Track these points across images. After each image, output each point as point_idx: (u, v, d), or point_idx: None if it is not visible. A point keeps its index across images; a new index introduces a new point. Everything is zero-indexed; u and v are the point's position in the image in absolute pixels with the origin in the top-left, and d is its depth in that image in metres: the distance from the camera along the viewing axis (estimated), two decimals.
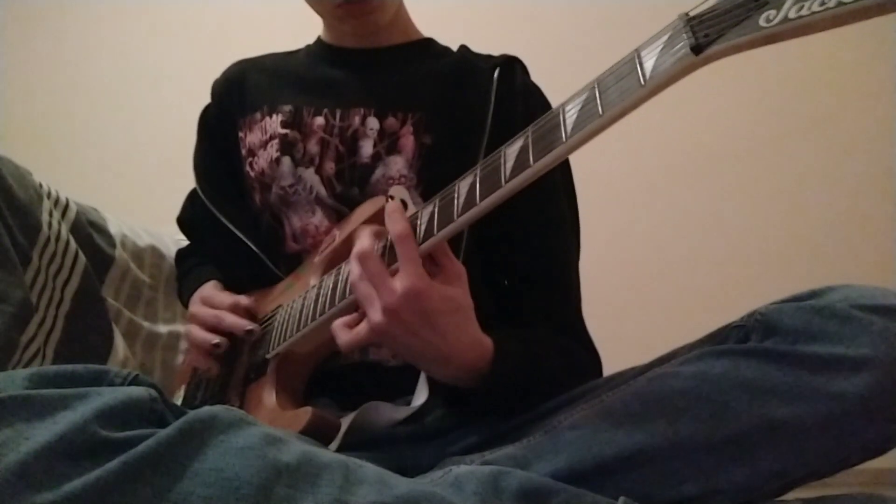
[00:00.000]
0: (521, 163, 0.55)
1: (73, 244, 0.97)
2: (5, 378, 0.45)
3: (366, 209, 0.77)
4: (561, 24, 2.06)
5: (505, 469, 0.53)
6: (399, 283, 0.58)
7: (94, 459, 0.42)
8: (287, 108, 0.87)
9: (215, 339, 0.79)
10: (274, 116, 0.87)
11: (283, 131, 0.85)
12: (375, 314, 0.59)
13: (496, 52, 0.91)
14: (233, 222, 0.87)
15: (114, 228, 1.11)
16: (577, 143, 0.52)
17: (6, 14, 2.17)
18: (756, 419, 0.53)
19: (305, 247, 0.84)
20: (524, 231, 0.81)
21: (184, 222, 1.03)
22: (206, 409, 0.46)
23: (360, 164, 0.82)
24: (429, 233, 0.61)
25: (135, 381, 0.49)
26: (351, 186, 0.82)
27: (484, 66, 0.87)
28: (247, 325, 0.79)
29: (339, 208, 0.83)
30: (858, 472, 0.58)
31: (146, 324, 1.11)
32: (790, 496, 0.57)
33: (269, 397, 0.73)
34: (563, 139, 0.52)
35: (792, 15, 0.41)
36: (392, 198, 0.64)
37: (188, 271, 0.98)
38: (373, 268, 0.60)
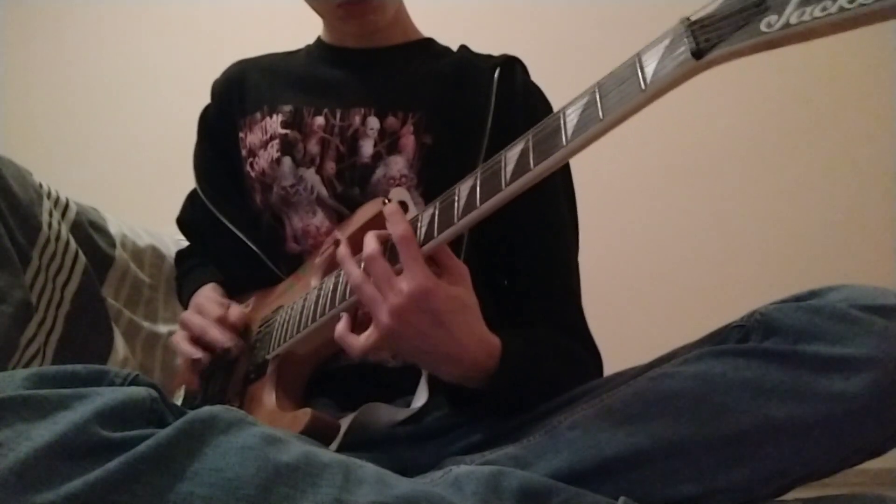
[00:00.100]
0: (521, 166, 0.55)
1: (73, 244, 0.97)
2: (5, 378, 0.46)
3: (367, 210, 0.77)
4: (561, 24, 2.06)
5: (505, 469, 0.53)
6: (405, 284, 0.58)
7: (94, 459, 0.42)
8: (287, 108, 0.87)
9: (196, 354, 0.79)
10: (274, 116, 0.87)
11: (284, 131, 0.85)
12: (383, 316, 0.59)
13: (496, 52, 0.91)
14: (233, 223, 0.87)
15: (114, 228, 1.11)
16: (578, 147, 0.52)
17: (6, 14, 2.17)
18: (756, 419, 0.53)
19: (306, 247, 0.84)
20: (524, 232, 0.82)
21: (184, 223, 1.03)
22: (206, 409, 0.46)
23: (360, 163, 0.82)
24: (429, 235, 0.61)
25: (135, 381, 0.49)
26: (351, 186, 0.82)
27: (484, 66, 0.87)
28: (227, 341, 0.78)
29: (340, 209, 0.83)
30: (858, 472, 0.58)
31: (146, 324, 1.11)
32: (790, 496, 0.57)
33: (269, 398, 0.73)
34: (564, 143, 0.52)
35: (793, 21, 0.41)
36: (390, 200, 0.64)
37: (188, 272, 0.98)
38: (378, 269, 0.60)
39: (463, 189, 0.60)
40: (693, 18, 0.47)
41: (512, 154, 0.57)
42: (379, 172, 0.81)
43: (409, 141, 0.82)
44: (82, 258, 0.98)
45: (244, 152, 0.89)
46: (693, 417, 0.55)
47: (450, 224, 0.59)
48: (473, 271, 0.64)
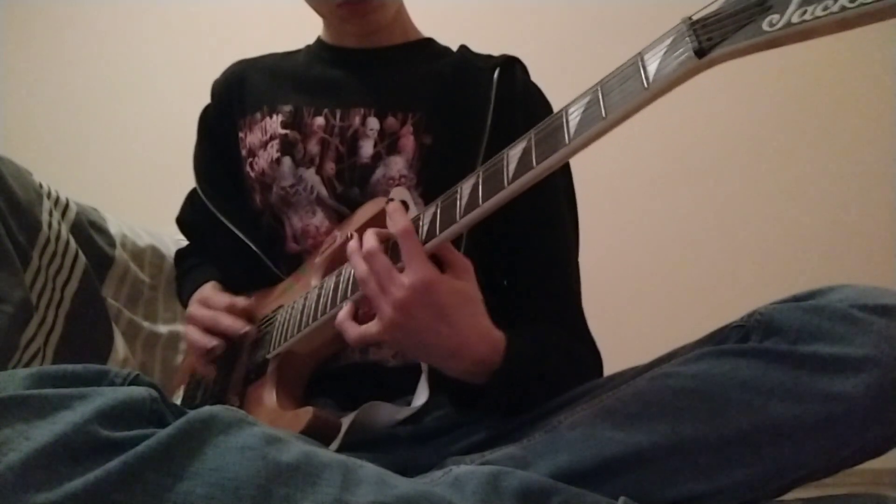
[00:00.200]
0: (523, 165, 0.55)
1: (73, 244, 0.97)
2: (5, 378, 0.46)
3: (367, 210, 0.77)
4: (562, 24, 2.06)
5: (505, 469, 0.53)
6: (407, 277, 0.59)
7: (94, 459, 0.42)
8: (287, 108, 0.87)
9: (211, 342, 0.79)
10: (274, 116, 0.87)
11: (284, 131, 0.85)
12: (387, 310, 0.59)
13: (496, 52, 0.91)
14: (233, 222, 0.87)
15: (114, 228, 1.11)
16: (580, 146, 0.52)
17: (6, 14, 2.17)
18: (756, 419, 0.53)
19: (306, 247, 0.84)
20: (524, 231, 0.82)
21: (183, 222, 1.03)
22: (206, 409, 0.46)
23: (360, 164, 0.82)
24: (431, 234, 0.61)
25: (135, 381, 0.49)
26: (351, 186, 0.82)
27: (484, 66, 0.87)
28: (242, 327, 0.78)
29: (340, 209, 0.83)
30: (858, 472, 0.58)
31: (146, 324, 1.11)
32: (790, 496, 0.57)
33: (270, 397, 0.73)
34: (566, 141, 0.52)
35: (795, 20, 0.41)
36: (392, 200, 0.64)
37: (187, 271, 0.98)
38: (380, 264, 0.60)
39: (465, 188, 0.60)
40: (695, 18, 0.47)
41: (514, 152, 0.57)
42: (378, 173, 0.81)
43: (408, 141, 0.82)
44: (82, 258, 0.98)
45: (244, 152, 0.89)
46: (693, 417, 0.55)
47: (452, 222, 0.59)
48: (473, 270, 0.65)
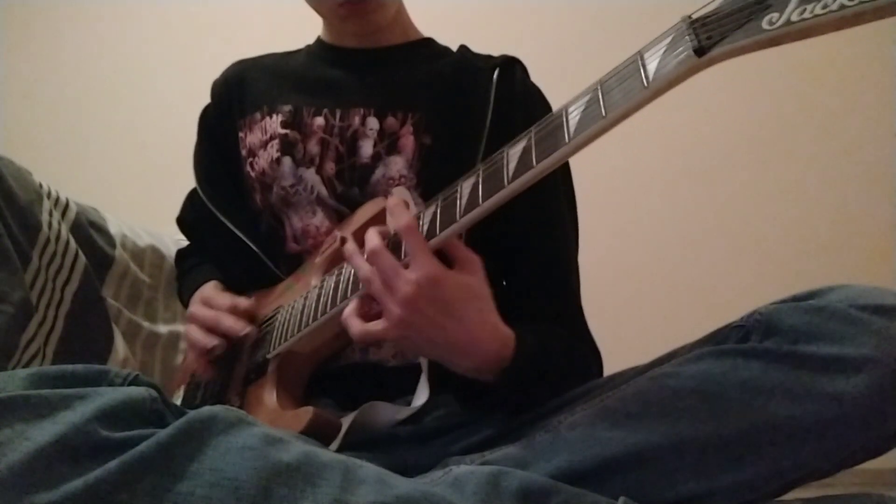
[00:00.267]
0: (524, 164, 0.55)
1: (73, 244, 0.97)
2: (5, 378, 0.46)
3: (367, 210, 0.77)
4: (561, 24, 2.06)
5: (505, 469, 0.53)
6: (413, 273, 0.58)
7: (94, 459, 0.42)
8: (287, 108, 0.86)
9: (212, 342, 0.78)
10: (274, 116, 0.87)
11: (284, 131, 0.85)
12: (394, 308, 0.59)
13: (496, 53, 0.91)
14: (233, 222, 0.87)
15: (114, 228, 1.11)
16: (580, 145, 0.52)
17: (6, 14, 2.17)
18: (756, 419, 0.53)
19: (306, 247, 0.84)
20: (524, 230, 0.82)
21: (183, 222, 1.02)
22: (206, 409, 0.46)
23: (360, 164, 0.82)
24: (431, 233, 0.61)
25: (135, 381, 0.49)
26: (351, 186, 0.82)
27: (484, 66, 0.87)
28: (244, 328, 0.78)
29: (340, 209, 0.83)
30: (858, 472, 0.58)
31: (146, 324, 1.11)
32: (790, 496, 0.57)
33: (270, 397, 0.73)
34: (567, 140, 0.52)
35: (795, 18, 0.41)
36: (393, 185, 0.63)
37: (188, 271, 0.98)
38: (385, 262, 0.60)
39: (465, 186, 0.60)
40: (695, 16, 0.47)
41: (514, 151, 0.57)
42: (378, 173, 0.81)
43: (408, 141, 0.82)
44: (82, 258, 0.98)
45: (244, 152, 0.89)
46: (693, 417, 0.55)
47: (452, 221, 0.59)
48: None
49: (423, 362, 0.73)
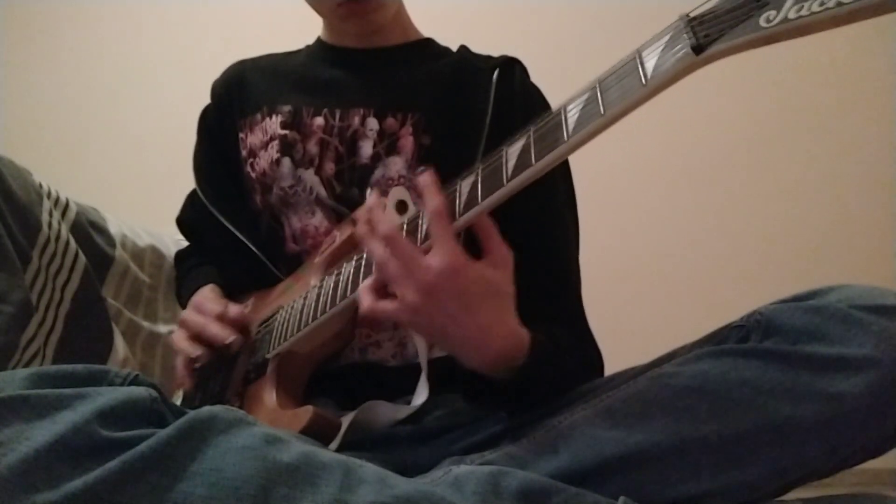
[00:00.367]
0: (522, 162, 0.55)
1: (73, 244, 0.97)
2: (5, 378, 0.46)
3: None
4: (561, 24, 2.06)
5: (505, 469, 0.53)
6: (434, 260, 0.56)
7: (94, 459, 0.42)
8: (286, 108, 0.86)
9: (195, 352, 0.78)
10: (274, 117, 0.87)
11: (283, 132, 0.85)
12: (410, 294, 0.57)
13: (496, 53, 0.91)
14: (233, 223, 0.87)
15: (114, 228, 1.11)
16: (579, 143, 0.52)
17: (6, 14, 2.17)
18: (756, 419, 0.53)
19: (305, 248, 0.84)
20: (524, 229, 0.81)
21: (183, 223, 1.02)
22: (206, 409, 0.46)
23: (359, 164, 0.82)
24: (430, 233, 0.61)
25: (135, 381, 0.49)
26: (350, 187, 0.82)
27: (483, 66, 0.87)
28: (227, 336, 0.76)
29: (339, 209, 0.83)
30: (858, 472, 0.58)
31: (146, 324, 1.11)
32: (790, 496, 0.57)
33: (270, 397, 0.73)
34: (565, 138, 0.52)
35: (792, 15, 0.41)
36: (422, 173, 0.62)
37: (187, 272, 0.98)
38: (403, 246, 0.58)
39: (464, 185, 0.60)
40: (692, 14, 0.47)
41: (513, 150, 0.57)
42: (378, 173, 0.81)
43: (407, 142, 0.82)
44: (82, 258, 0.98)
45: (244, 153, 0.89)
46: (693, 417, 0.55)
47: (451, 221, 0.59)
48: None
49: (423, 362, 0.73)
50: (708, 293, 1.90)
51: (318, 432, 0.65)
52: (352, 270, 0.69)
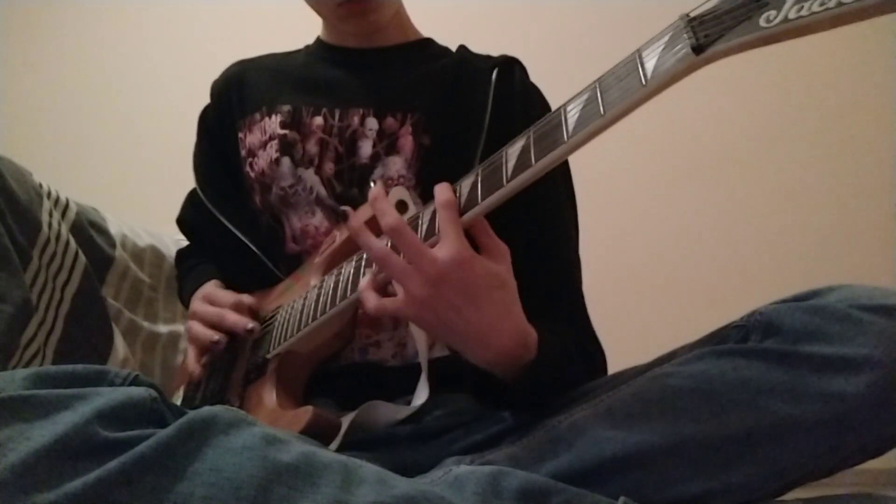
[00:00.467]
0: (522, 162, 0.55)
1: (73, 244, 0.97)
2: (5, 378, 0.45)
3: (367, 210, 0.77)
4: (561, 24, 2.06)
5: (505, 469, 0.53)
6: (441, 252, 0.56)
7: (94, 459, 0.42)
8: (286, 108, 0.86)
9: (215, 336, 0.78)
10: (273, 117, 0.87)
11: (283, 132, 0.85)
12: (415, 287, 0.56)
13: (496, 53, 0.91)
14: (233, 223, 0.87)
15: (114, 228, 1.11)
16: (579, 143, 0.52)
17: (6, 14, 2.17)
18: (756, 419, 0.53)
19: (305, 248, 0.84)
20: (524, 229, 0.81)
21: (183, 222, 1.02)
22: (206, 409, 0.46)
23: (359, 164, 0.82)
24: (430, 232, 0.61)
25: (135, 381, 0.49)
26: (350, 187, 0.82)
27: (483, 66, 0.87)
28: (249, 323, 0.77)
29: (339, 209, 0.82)
30: (858, 472, 0.58)
31: (146, 324, 1.11)
32: (790, 496, 0.57)
33: (270, 397, 0.73)
34: (565, 139, 0.52)
35: (792, 15, 0.41)
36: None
37: (188, 271, 0.98)
38: (408, 239, 0.57)
39: (464, 186, 0.60)
40: (693, 14, 0.47)
41: (513, 150, 0.57)
42: (377, 173, 0.81)
43: (407, 142, 0.82)
44: (82, 258, 0.98)
45: (244, 153, 0.89)
46: (693, 417, 0.55)
47: (459, 214, 0.59)
48: None
49: (423, 362, 0.73)
50: (708, 293, 1.90)
51: (318, 432, 0.64)
52: (352, 270, 0.69)
